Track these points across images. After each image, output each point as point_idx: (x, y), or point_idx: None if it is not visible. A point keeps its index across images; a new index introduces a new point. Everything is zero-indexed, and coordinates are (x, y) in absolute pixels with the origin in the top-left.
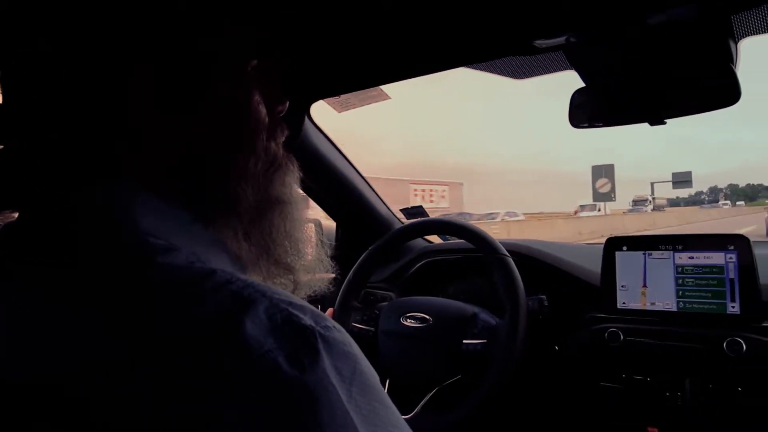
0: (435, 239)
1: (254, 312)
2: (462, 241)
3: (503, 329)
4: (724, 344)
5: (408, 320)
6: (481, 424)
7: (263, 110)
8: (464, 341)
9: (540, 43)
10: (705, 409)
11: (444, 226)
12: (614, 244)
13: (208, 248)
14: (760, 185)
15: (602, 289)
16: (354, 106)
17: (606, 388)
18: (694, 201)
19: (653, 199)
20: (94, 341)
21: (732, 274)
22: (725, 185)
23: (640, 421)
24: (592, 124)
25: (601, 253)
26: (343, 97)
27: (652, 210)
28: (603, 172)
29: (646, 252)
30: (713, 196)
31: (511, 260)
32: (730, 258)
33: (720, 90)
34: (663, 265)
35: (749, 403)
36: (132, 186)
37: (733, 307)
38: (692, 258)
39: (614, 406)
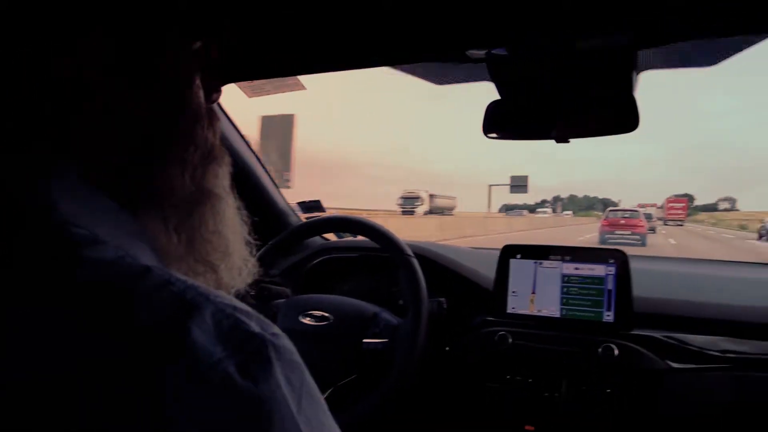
0: (331, 236)
1: (200, 318)
2: (361, 239)
3: (405, 329)
4: (599, 349)
5: (307, 318)
6: (377, 424)
7: (202, 96)
8: (364, 340)
9: (472, 53)
10: (578, 409)
11: (349, 224)
12: (510, 251)
13: (132, 240)
14: (595, 197)
15: (495, 294)
16: (267, 93)
17: (490, 389)
18: (532, 209)
19: (432, 197)
20: (22, 351)
21: (610, 285)
22: (567, 195)
23: (519, 420)
24: (502, 136)
25: (497, 259)
26: (257, 82)
27: (426, 213)
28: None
29: (538, 261)
30: (554, 204)
31: (416, 261)
32: (610, 270)
33: (621, 116)
34: (552, 274)
35: (618, 403)
36: (53, 162)
37: (608, 315)
38: (578, 269)
39: (496, 406)
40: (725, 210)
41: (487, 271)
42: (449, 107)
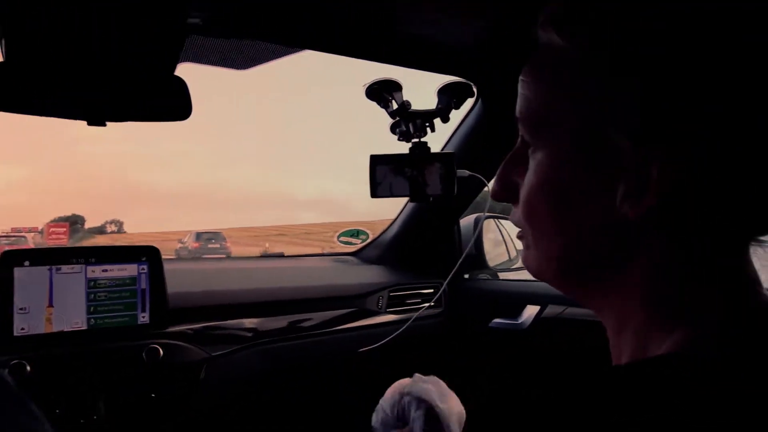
0: None
1: None
2: None
3: None
4: (144, 353)
5: None
6: None
7: None
8: None
9: None
10: (124, 424)
11: None
12: (12, 258)
13: None
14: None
15: None
16: None
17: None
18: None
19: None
20: None
21: (144, 285)
22: None
23: None
24: (11, 108)
25: None
26: None
27: None
28: None
29: (54, 267)
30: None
31: None
32: (143, 269)
33: (172, 102)
34: (74, 280)
35: (165, 403)
36: None
37: (143, 317)
38: (106, 271)
39: None
40: (113, 232)
41: None
42: None
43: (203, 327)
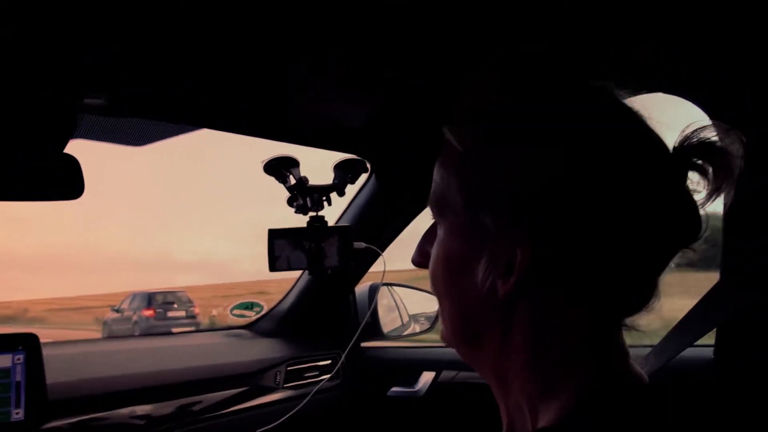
0: None
1: None
2: None
3: None
4: None
5: None
6: None
7: None
8: None
9: None
10: None
11: None
12: None
13: None
14: None
15: None
16: None
17: None
18: None
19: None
20: None
21: (19, 377)
22: None
23: None
24: None
25: None
26: None
27: None
28: None
29: None
30: None
31: None
32: (18, 359)
33: (62, 179)
34: None
35: None
36: None
37: (17, 413)
38: None
39: None
40: None
41: None
42: None
43: (86, 419)
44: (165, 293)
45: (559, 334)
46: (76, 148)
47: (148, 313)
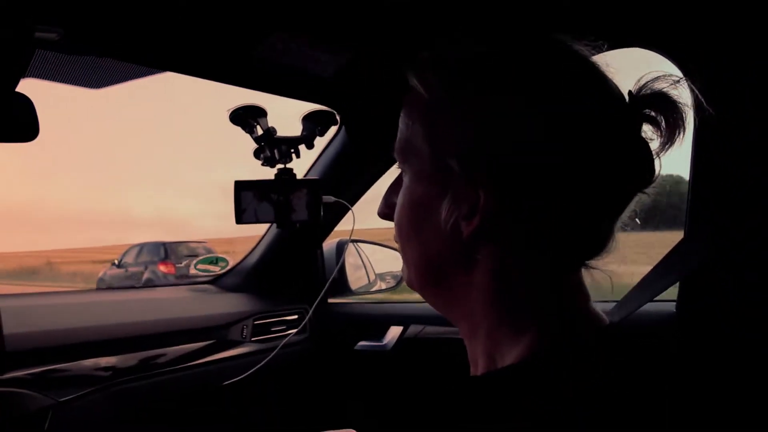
0: None
1: None
2: None
3: None
4: None
5: None
6: None
7: None
8: None
9: None
10: None
11: None
12: None
13: None
14: None
15: None
16: None
17: None
18: None
19: None
20: None
21: None
22: None
23: None
24: None
25: None
26: None
27: None
28: None
29: None
30: None
31: None
32: None
33: (15, 120)
34: None
35: None
36: None
37: None
38: None
39: None
40: None
41: None
42: None
43: (47, 370)
44: (186, 244)
45: (521, 274)
46: (27, 87)
47: (167, 269)
